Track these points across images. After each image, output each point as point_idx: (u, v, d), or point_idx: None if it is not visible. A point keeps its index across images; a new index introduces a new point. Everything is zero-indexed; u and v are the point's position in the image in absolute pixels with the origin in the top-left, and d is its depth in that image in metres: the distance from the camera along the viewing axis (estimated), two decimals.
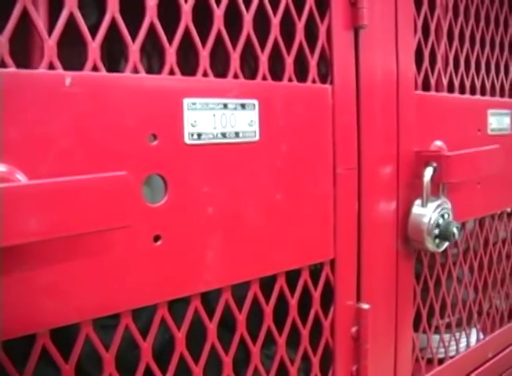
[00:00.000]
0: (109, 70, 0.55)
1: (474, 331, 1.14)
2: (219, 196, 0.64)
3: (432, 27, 0.95)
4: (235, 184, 0.65)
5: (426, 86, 0.95)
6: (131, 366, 0.60)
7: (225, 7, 0.65)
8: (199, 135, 0.61)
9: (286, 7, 0.71)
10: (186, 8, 0.61)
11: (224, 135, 0.63)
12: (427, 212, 0.86)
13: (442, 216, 0.87)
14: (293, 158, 0.71)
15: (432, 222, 0.86)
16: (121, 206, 0.51)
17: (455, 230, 0.87)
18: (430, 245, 0.87)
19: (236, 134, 0.64)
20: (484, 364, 1.15)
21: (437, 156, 0.87)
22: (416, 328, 0.97)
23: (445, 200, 0.89)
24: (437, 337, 1.04)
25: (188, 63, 0.64)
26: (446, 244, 0.90)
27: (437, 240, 0.88)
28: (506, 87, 1.17)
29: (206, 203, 0.62)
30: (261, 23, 0.70)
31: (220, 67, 0.69)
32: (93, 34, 0.55)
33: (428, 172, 0.86)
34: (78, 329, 0.55)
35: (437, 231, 0.87)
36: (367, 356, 0.82)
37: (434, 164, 0.86)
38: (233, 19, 0.67)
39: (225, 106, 0.63)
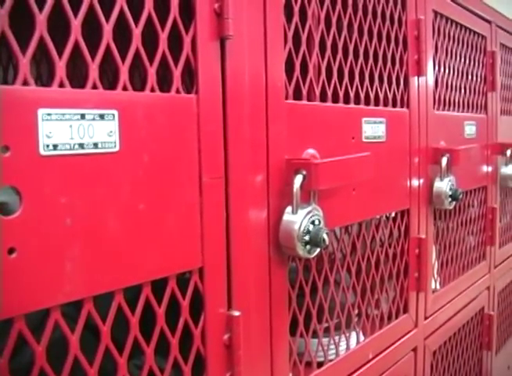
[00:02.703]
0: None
1: (353, 334, 1.17)
2: (78, 207, 0.63)
3: (303, 37, 0.98)
4: (95, 195, 0.65)
5: (299, 95, 0.97)
6: None
7: (83, 16, 0.64)
8: (55, 146, 0.60)
9: (149, 17, 0.72)
10: (41, 17, 0.61)
11: (82, 145, 0.63)
12: (298, 219, 0.88)
13: (313, 223, 0.89)
14: (157, 168, 0.71)
15: (302, 228, 0.88)
16: None
17: (325, 236, 0.89)
18: (301, 251, 0.89)
19: (95, 145, 0.64)
20: (365, 365, 1.18)
21: (306, 163, 0.89)
22: (293, 333, 0.99)
23: (315, 207, 0.91)
24: (315, 341, 1.06)
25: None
26: (317, 250, 0.92)
27: (308, 247, 0.89)
28: (381, 96, 1.21)
29: (64, 214, 0.62)
30: (124, 34, 0.70)
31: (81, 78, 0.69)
32: None
33: (298, 180, 0.87)
34: None
35: (307, 237, 0.88)
36: (240, 363, 0.82)
37: (304, 172, 0.88)
38: (93, 29, 0.66)
39: (83, 116, 0.63)
